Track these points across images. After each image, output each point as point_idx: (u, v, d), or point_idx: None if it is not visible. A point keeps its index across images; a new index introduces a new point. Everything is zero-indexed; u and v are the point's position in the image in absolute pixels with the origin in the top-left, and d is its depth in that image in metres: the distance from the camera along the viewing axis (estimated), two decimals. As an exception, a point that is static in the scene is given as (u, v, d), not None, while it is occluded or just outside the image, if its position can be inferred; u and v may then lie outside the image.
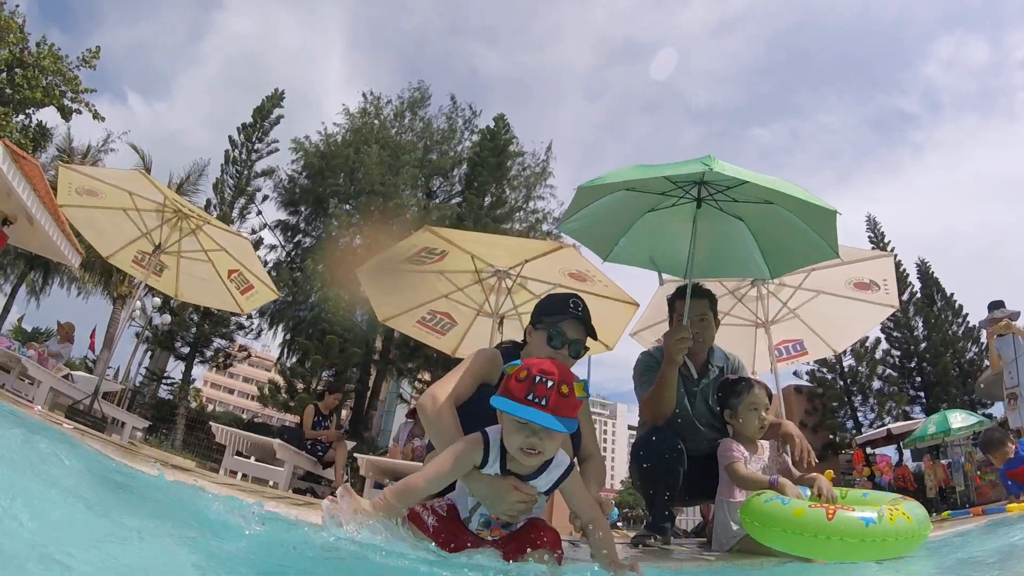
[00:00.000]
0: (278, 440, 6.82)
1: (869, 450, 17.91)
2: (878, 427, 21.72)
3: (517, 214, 20.73)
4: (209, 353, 19.96)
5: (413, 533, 1.71)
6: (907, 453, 19.26)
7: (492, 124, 21.38)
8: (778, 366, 7.18)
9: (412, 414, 7.75)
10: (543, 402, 1.63)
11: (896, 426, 19.21)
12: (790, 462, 3.11)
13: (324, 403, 7.87)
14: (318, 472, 7.45)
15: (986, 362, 20.51)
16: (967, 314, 27.23)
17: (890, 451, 18.98)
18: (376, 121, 21.70)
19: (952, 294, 28.37)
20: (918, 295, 28.31)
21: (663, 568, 2.39)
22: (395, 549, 1.54)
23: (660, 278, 4.12)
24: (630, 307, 6.53)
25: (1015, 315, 7.20)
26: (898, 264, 25.05)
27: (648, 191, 3.54)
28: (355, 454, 7.35)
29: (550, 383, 1.65)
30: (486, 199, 19.78)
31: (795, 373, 24.87)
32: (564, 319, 2.41)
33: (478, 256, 6.39)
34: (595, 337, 2.55)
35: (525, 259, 6.26)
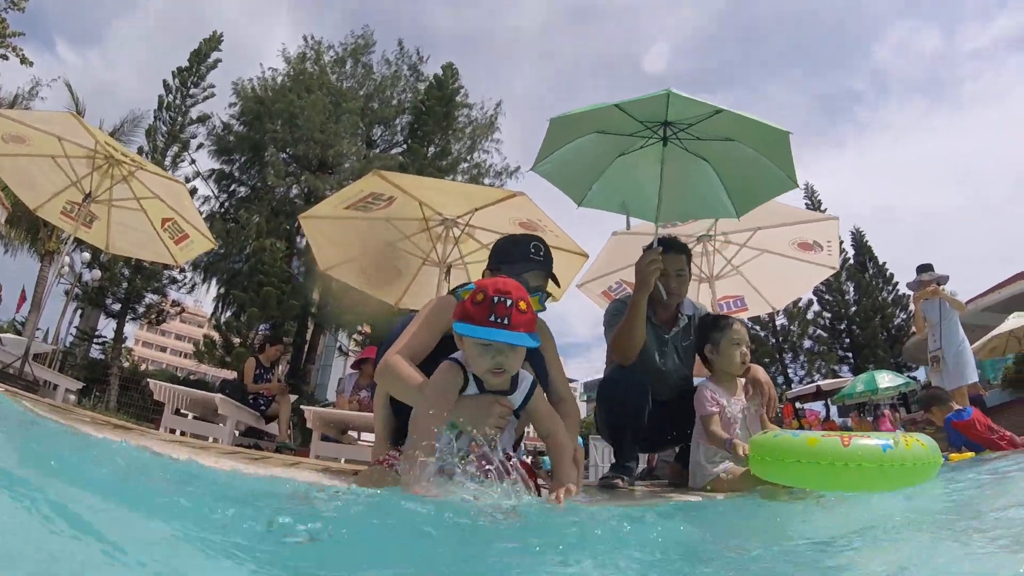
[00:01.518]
0: (219, 395, 6.55)
1: (798, 405, 18.71)
2: (808, 383, 22.77)
3: (461, 165, 20.27)
4: (141, 309, 19.04)
5: (386, 479, 1.75)
6: (834, 409, 20.30)
7: (440, 72, 20.75)
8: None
9: (357, 365, 7.57)
10: (505, 321, 1.64)
11: (825, 383, 20.17)
12: (764, 412, 3.12)
13: (265, 355, 7.59)
14: (261, 427, 7.23)
15: (912, 328, 21.62)
16: (897, 282, 28.65)
17: (818, 406, 19.94)
18: (316, 67, 20.69)
19: (884, 263, 29.71)
20: (851, 262, 29.54)
21: (640, 505, 2.36)
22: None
23: (628, 222, 4.07)
24: (579, 258, 6.47)
25: (943, 279, 7.31)
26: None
27: (617, 132, 3.54)
28: (300, 406, 7.16)
29: (508, 302, 1.66)
30: (430, 149, 19.28)
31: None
32: (526, 267, 2.32)
33: (427, 203, 6.16)
34: (557, 283, 2.46)
35: (475, 207, 6.09)
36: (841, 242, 28.04)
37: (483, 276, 2.41)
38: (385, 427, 2.18)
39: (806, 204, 30.26)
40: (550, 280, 2.40)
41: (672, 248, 3.47)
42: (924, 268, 7.55)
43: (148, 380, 7.34)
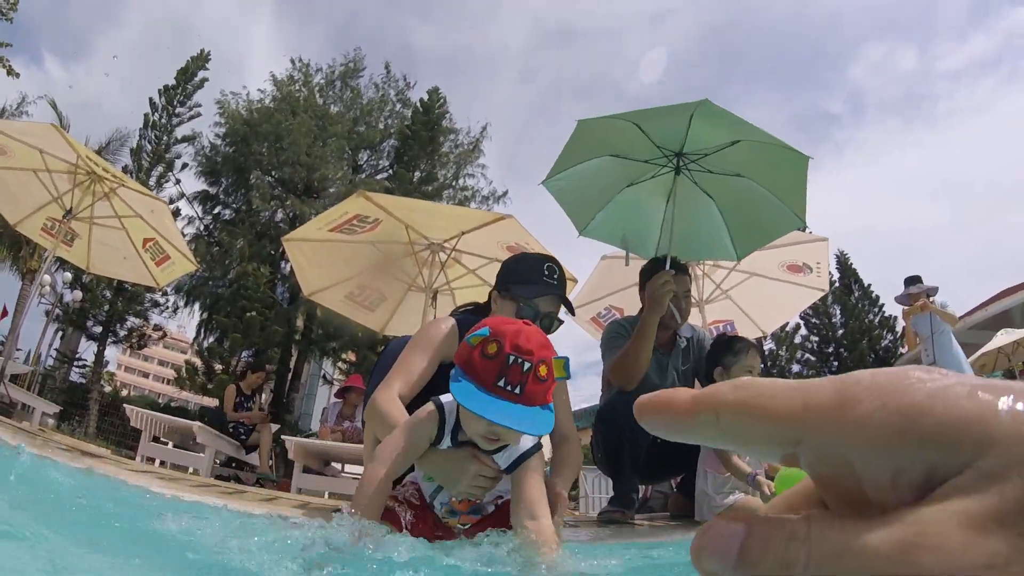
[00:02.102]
0: (198, 423, 6.30)
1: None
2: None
3: (447, 191, 20.15)
4: (123, 333, 18.63)
5: (376, 529, 1.41)
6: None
7: (426, 97, 20.76)
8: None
9: (341, 393, 7.38)
10: (517, 391, 1.33)
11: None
12: None
13: (246, 382, 7.36)
14: (241, 457, 6.96)
15: (901, 348, 21.68)
16: (883, 304, 28.81)
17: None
18: (304, 89, 20.63)
19: (869, 284, 29.94)
20: (836, 284, 29.73)
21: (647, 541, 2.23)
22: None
23: (627, 258, 3.95)
24: (569, 283, 6.37)
25: (933, 290, 7.06)
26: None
27: (631, 157, 3.57)
28: (282, 436, 6.94)
29: (527, 365, 1.34)
30: (416, 174, 19.19)
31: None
32: (541, 290, 2.12)
33: (413, 226, 6.03)
34: (571, 310, 2.26)
35: (463, 230, 5.98)
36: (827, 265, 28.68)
37: (491, 298, 2.23)
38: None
39: (790, 227, 30.61)
40: (563, 306, 2.22)
41: (680, 270, 3.41)
42: (912, 280, 7.27)
43: (125, 406, 7.09)
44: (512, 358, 1.34)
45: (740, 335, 3.47)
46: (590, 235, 3.91)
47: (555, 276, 2.18)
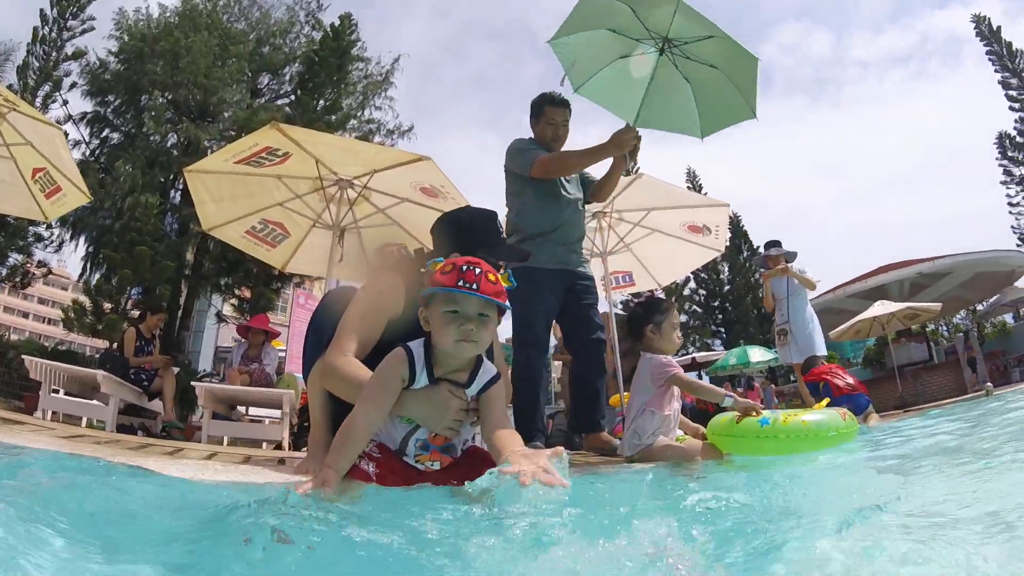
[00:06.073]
0: (102, 372, 5.88)
1: (674, 375, 19.82)
2: (683, 356, 24.21)
3: (351, 122, 19.28)
4: (4, 272, 16.73)
5: (351, 488, 1.55)
6: (707, 379, 21.74)
7: (337, 23, 19.61)
8: (611, 293, 7.57)
9: (243, 332, 7.13)
10: (475, 286, 1.60)
11: (700, 355, 21.50)
12: None
13: (146, 325, 6.99)
14: (143, 404, 6.62)
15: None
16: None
17: (692, 376, 21.23)
18: (208, 4, 18.91)
19: (758, 247, 31.88)
20: (727, 244, 31.52)
21: (596, 474, 2.41)
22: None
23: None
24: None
25: (792, 256, 7.35)
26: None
27: (625, 34, 4.11)
28: (192, 383, 6.63)
29: (477, 270, 1.63)
30: (320, 102, 18.22)
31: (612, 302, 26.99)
32: (507, 254, 2.36)
33: (324, 162, 5.83)
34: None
35: (375, 169, 5.86)
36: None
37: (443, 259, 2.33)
38: (324, 417, 2.09)
39: (687, 187, 31.97)
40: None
41: (562, 102, 4.22)
42: (771, 244, 7.57)
43: (24, 357, 6.39)
44: (465, 267, 1.63)
45: (627, 288, 3.93)
46: (584, 93, 4.34)
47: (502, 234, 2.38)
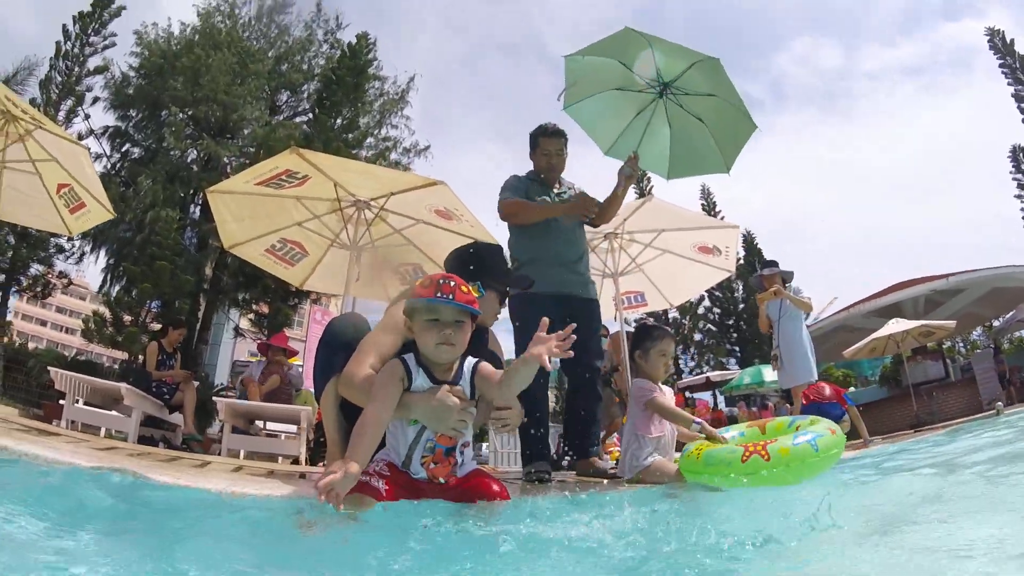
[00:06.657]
0: (125, 384, 6.04)
1: (688, 394, 19.80)
2: (697, 374, 24.14)
3: (368, 140, 19.47)
4: (26, 281, 16.97)
5: (364, 503, 1.74)
6: (722, 399, 21.64)
7: (354, 41, 19.84)
8: (622, 313, 7.67)
9: (263, 350, 7.31)
10: (450, 297, 1.87)
11: (714, 375, 21.41)
12: None
13: (168, 339, 7.13)
14: (164, 417, 6.76)
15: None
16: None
17: (707, 396, 21.16)
18: (228, 21, 19.32)
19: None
20: (741, 262, 31.45)
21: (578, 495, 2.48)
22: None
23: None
24: (494, 250, 6.55)
25: (789, 275, 7.02)
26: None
27: (631, 88, 4.34)
28: (214, 398, 6.78)
29: (452, 283, 1.90)
30: (337, 120, 18.45)
31: (626, 321, 26.89)
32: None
33: (342, 184, 6.02)
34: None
35: (392, 192, 6.03)
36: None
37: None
38: (338, 434, 2.25)
39: (702, 204, 31.99)
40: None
41: (556, 133, 4.29)
42: (768, 264, 7.13)
43: (49, 369, 6.57)
44: (441, 281, 1.90)
45: (655, 323, 3.88)
46: (570, 112, 4.53)
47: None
